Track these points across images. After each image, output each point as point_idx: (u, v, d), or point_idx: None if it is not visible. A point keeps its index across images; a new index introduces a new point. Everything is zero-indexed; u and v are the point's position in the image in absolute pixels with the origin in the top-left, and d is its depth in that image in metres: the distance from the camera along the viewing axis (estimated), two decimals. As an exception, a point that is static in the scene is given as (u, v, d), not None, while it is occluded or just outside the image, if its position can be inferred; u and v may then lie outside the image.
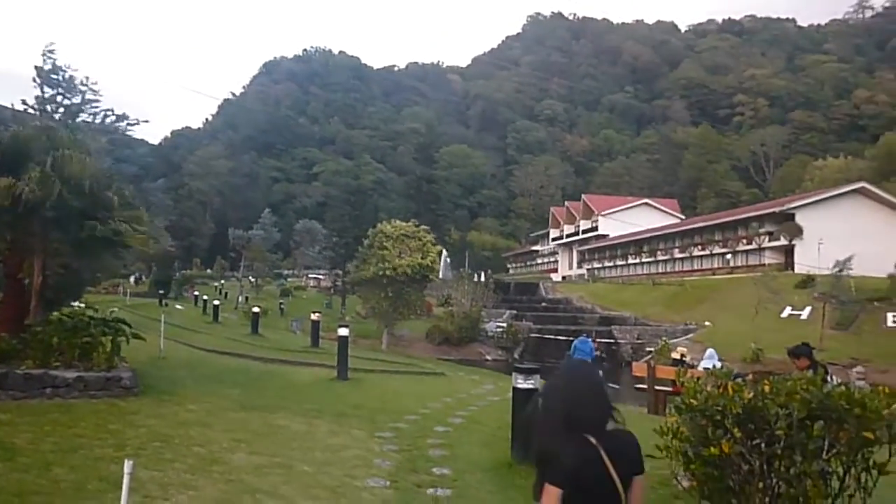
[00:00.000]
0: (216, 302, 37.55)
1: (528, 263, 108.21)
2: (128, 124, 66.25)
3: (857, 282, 35.35)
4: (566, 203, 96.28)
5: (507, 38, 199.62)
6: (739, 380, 4.88)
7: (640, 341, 38.98)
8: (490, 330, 41.08)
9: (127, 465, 3.69)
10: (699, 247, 64.97)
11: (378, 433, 9.10)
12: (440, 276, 43.78)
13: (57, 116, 54.69)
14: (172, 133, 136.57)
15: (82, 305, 14.50)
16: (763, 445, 4.38)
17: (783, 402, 4.35)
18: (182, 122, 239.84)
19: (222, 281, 67.52)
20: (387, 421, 10.05)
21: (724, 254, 61.07)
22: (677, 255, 68.01)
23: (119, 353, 10.99)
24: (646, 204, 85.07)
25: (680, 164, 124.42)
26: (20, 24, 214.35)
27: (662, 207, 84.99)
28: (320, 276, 75.50)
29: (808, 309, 35.84)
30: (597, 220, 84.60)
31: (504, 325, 41.93)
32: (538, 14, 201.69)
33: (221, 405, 10.31)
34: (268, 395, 11.90)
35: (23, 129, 12.54)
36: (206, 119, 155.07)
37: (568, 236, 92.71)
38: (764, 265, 52.10)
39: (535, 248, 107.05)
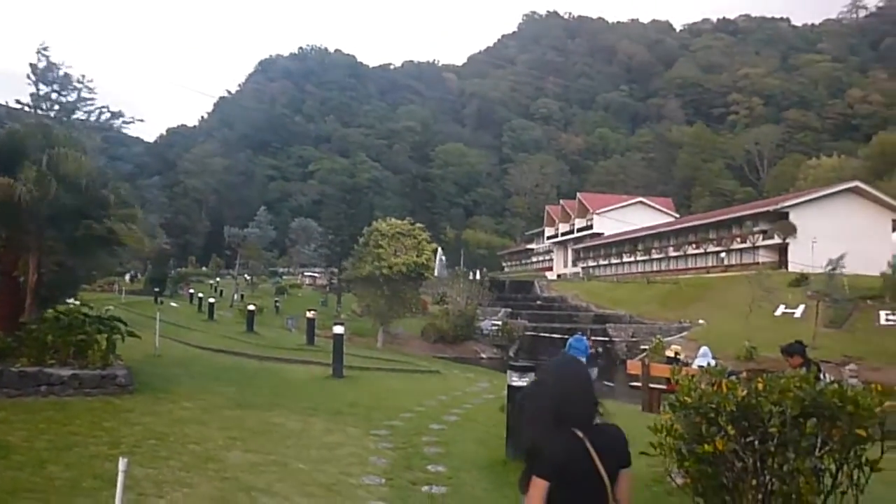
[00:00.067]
0: (211, 300, 37.49)
1: (524, 262, 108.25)
2: (123, 122, 66.29)
3: (850, 280, 35.52)
4: (561, 201, 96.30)
5: (503, 36, 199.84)
6: (733, 377, 4.90)
7: (634, 339, 39.07)
8: (485, 328, 41.12)
9: (121, 463, 3.69)
10: (693, 245, 65.10)
11: (373, 431, 9.11)
12: (435, 274, 43.87)
13: (52, 114, 54.55)
14: (168, 131, 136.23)
15: (77, 303, 14.47)
16: (756, 443, 4.40)
17: (777, 399, 4.37)
18: (178, 120, 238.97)
19: (218, 279, 67.42)
20: (382, 419, 10.06)
21: (718, 252, 61.22)
22: (672, 253, 68.13)
23: (114, 350, 10.97)
24: (640, 202, 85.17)
25: (674, 163, 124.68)
26: (14, 21, 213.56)
27: (657, 206, 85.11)
28: (316, 274, 75.39)
29: (801, 307, 36.00)
30: (592, 219, 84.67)
31: (499, 323, 41.98)
32: (534, 13, 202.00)
33: (217, 403, 10.30)
34: (263, 392, 11.89)
35: (18, 126, 12.50)
36: (202, 117, 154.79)
37: (563, 235, 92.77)
38: (758, 264, 52.22)
39: (530, 246, 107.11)
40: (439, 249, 54.81)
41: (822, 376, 6.17)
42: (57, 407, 8.89)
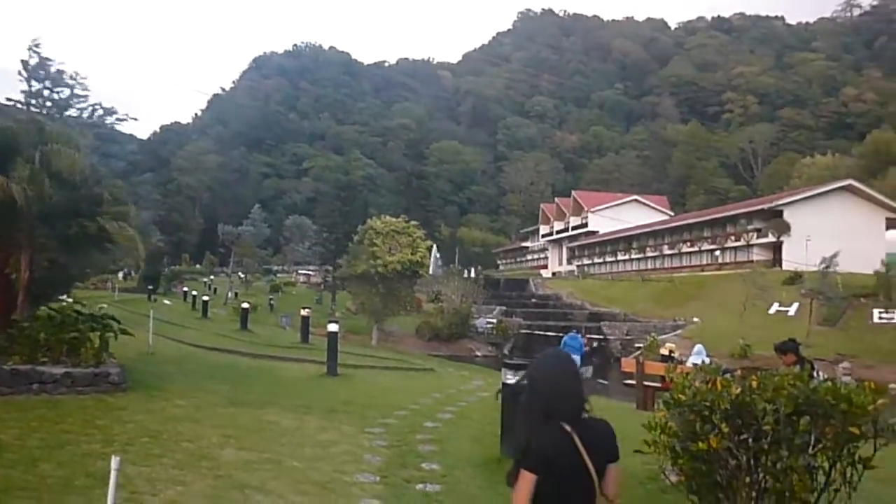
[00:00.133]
0: (205, 298, 37.41)
1: (518, 260, 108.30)
2: (117, 119, 66.07)
3: (843, 278, 35.63)
4: (556, 199, 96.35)
5: (498, 34, 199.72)
6: (727, 375, 4.90)
7: (629, 337, 39.13)
8: (480, 326, 41.12)
9: (114, 462, 3.67)
10: (688, 243, 65.22)
11: (368, 429, 9.11)
12: (430, 272, 43.79)
13: (44, 111, 54.36)
14: (161, 128, 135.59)
15: (70, 300, 14.42)
16: (750, 440, 4.40)
17: (770, 397, 4.37)
18: (171, 118, 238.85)
19: (211, 277, 67.24)
20: (376, 417, 10.06)
21: (712, 250, 61.35)
22: (666, 251, 68.25)
23: (107, 348, 10.94)
24: (635, 200, 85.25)
25: (669, 161, 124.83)
26: (5, 17, 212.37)
27: (652, 204, 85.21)
28: (310, 272, 75.31)
29: (795, 305, 36.10)
30: (586, 217, 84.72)
31: (494, 321, 42.00)
32: (529, 10, 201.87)
33: (210, 401, 10.28)
34: (257, 390, 11.88)
35: (11, 123, 12.45)
36: (196, 114, 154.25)
37: (558, 233, 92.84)
38: (752, 262, 52.35)
39: (525, 244, 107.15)
40: (434, 247, 54.82)
41: (815, 374, 6.18)
42: (49, 405, 8.87)
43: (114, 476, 3.67)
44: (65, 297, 15.04)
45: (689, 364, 13.91)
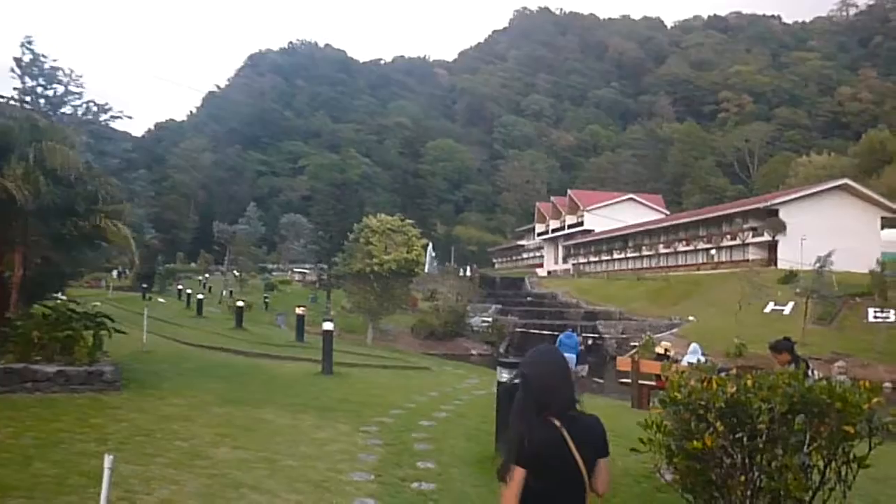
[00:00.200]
0: (200, 296, 37.32)
1: (514, 258, 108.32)
2: (111, 116, 65.83)
3: (839, 277, 35.67)
4: (552, 198, 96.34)
5: (494, 32, 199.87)
6: (723, 374, 4.90)
7: (624, 336, 39.15)
8: (475, 324, 41.11)
9: (107, 460, 3.65)
10: (684, 242, 65.27)
11: (363, 427, 9.09)
12: (426, 270, 43.76)
13: (38, 108, 54.10)
14: (156, 126, 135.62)
15: (64, 298, 14.38)
16: (745, 439, 4.40)
17: (765, 396, 4.37)
18: (166, 115, 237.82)
19: (206, 275, 67.11)
20: (372, 415, 10.04)
21: (708, 249, 61.42)
22: (662, 250, 68.29)
23: (101, 347, 10.90)
24: (631, 199, 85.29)
25: (665, 160, 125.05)
26: None
27: (647, 203, 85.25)
28: (305, 271, 75.25)
29: (790, 304, 36.14)
30: (582, 216, 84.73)
31: (489, 319, 42.00)
32: (525, 8, 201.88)
33: (205, 399, 10.26)
34: (252, 389, 11.86)
35: (4, 120, 12.39)
36: (191, 112, 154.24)
37: (553, 231, 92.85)
38: (748, 261, 52.39)
39: (520, 242, 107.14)
40: (430, 245, 54.78)
41: (810, 373, 6.18)
42: (43, 404, 8.84)
43: (107, 475, 3.65)
44: (59, 295, 15.00)
45: (684, 363, 13.92)
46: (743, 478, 4.41)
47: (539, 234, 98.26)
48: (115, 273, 58.02)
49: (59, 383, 9.66)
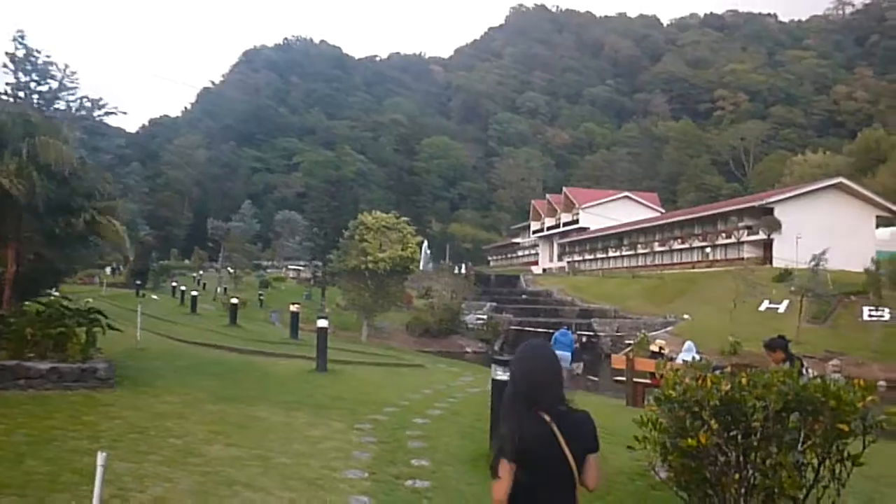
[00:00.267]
0: (194, 293, 37.24)
1: (509, 256, 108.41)
2: (106, 112, 65.58)
3: (833, 276, 35.78)
4: (547, 196, 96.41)
5: (490, 29, 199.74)
6: (717, 372, 4.90)
7: (619, 334, 39.20)
8: (470, 322, 41.11)
9: (100, 457, 3.64)
10: (679, 240, 65.41)
11: (357, 425, 9.06)
12: (421, 267, 43.75)
13: (32, 104, 53.89)
14: (150, 122, 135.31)
15: (57, 295, 14.32)
16: (740, 437, 4.40)
17: (760, 394, 4.38)
18: (160, 111, 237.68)
19: (201, 272, 66.98)
20: (366, 413, 10.02)
21: (703, 247, 61.58)
22: (657, 248, 68.43)
23: (95, 344, 10.85)
24: (626, 197, 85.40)
25: (660, 158, 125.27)
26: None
27: (643, 201, 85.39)
28: (300, 268, 75.17)
29: (785, 302, 36.24)
30: (577, 213, 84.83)
31: (484, 317, 41.99)
32: (521, 6, 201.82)
33: (199, 397, 10.22)
34: (246, 386, 11.81)
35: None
36: (185, 108, 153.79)
37: (549, 229, 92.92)
38: (743, 259, 52.55)
39: (515, 240, 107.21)
40: (425, 243, 54.74)
41: (804, 371, 6.19)
42: (36, 401, 8.80)
43: (100, 472, 3.63)
44: (52, 291, 14.94)
45: (679, 361, 13.92)
46: (737, 476, 4.42)
47: (534, 232, 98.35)
48: (108, 270, 57.87)
49: (52, 380, 9.61)
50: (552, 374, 2.85)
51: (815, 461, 4.49)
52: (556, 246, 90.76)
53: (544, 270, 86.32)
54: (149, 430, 7.70)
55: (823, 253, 33.77)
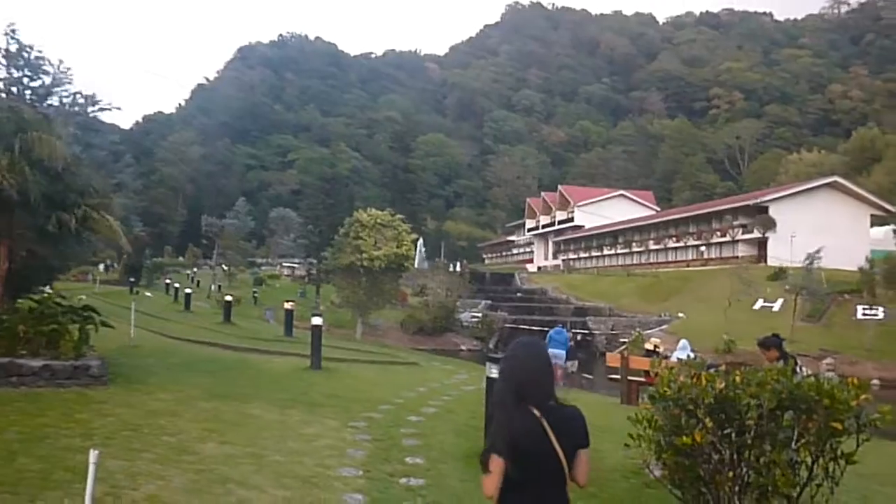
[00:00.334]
0: (188, 290, 37.13)
1: (504, 254, 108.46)
2: (99, 108, 65.40)
3: (828, 274, 35.90)
4: (542, 194, 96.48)
5: (486, 26, 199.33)
6: (712, 370, 4.91)
7: (614, 332, 39.27)
8: (465, 320, 41.13)
9: (92, 455, 3.61)
10: (674, 239, 65.52)
11: (351, 423, 9.05)
12: (416, 265, 43.70)
13: (24, 99, 53.67)
14: (144, 118, 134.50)
15: (51, 292, 14.25)
16: (734, 435, 4.41)
17: (754, 392, 4.38)
18: (154, 108, 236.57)
19: (195, 269, 66.77)
20: (360, 410, 10.01)
21: (698, 246, 61.68)
22: (652, 246, 68.52)
23: (88, 341, 10.81)
24: (621, 195, 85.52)
25: (656, 157, 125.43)
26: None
27: (638, 199, 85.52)
28: (295, 265, 74.96)
29: (779, 301, 36.36)
30: (573, 211, 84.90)
31: (479, 315, 41.99)
32: (517, 3, 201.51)
33: (192, 394, 10.19)
34: (240, 384, 11.78)
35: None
36: (179, 104, 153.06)
37: (544, 227, 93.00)
38: (737, 257, 52.69)
39: (510, 238, 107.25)
40: (420, 240, 54.70)
41: (798, 369, 6.20)
42: (28, 398, 8.76)
43: (92, 470, 3.61)
44: (45, 288, 14.87)
45: (673, 359, 13.95)
46: (731, 473, 4.42)
47: (529, 230, 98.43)
48: (102, 267, 57.65)
49: (45, 378, 9.57)
50: (542, 370, 2.86)
51: (809, 459, 4.50)
52: (551, 244, 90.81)
53: (539, 268, 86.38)
54: (142, 428, 7.67)
55: (818, 252, 33.88)
